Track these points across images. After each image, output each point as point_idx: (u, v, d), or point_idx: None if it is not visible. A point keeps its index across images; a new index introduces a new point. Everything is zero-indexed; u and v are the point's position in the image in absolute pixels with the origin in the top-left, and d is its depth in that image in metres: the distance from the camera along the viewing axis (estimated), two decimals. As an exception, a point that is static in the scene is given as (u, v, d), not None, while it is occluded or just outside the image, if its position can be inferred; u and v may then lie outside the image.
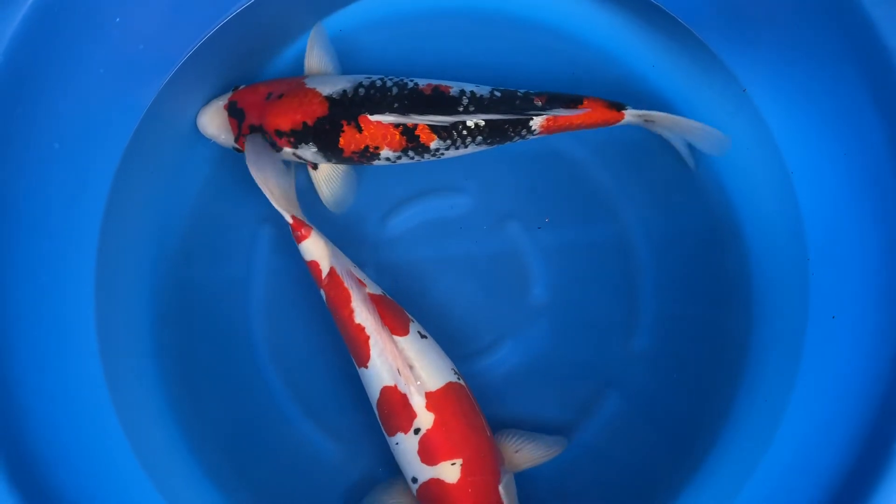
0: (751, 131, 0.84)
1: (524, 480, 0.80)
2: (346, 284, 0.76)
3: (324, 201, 0.84)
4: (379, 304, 0.76)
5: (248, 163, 0.77)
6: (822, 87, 0.77)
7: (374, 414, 0.77)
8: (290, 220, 0.77)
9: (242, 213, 0.87)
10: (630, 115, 0.79)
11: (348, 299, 0.76)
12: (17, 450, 0.67)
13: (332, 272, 0.77)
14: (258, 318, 0.86)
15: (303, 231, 0.77)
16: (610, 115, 0.78)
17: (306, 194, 0.84)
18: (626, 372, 0.86)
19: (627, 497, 0.80)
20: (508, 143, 0.80)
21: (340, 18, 0.88)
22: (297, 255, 0.79)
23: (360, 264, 0.86)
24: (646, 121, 0.80)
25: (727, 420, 0.83)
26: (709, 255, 0.87)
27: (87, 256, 0.79)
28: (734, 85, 0.85)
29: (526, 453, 0.79)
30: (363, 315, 0.75)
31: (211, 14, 0.83)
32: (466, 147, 0.79)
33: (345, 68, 0.86)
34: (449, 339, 0.84)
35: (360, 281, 0.77)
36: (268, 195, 0.76)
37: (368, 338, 0.74)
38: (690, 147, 0.84)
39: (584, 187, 0.89)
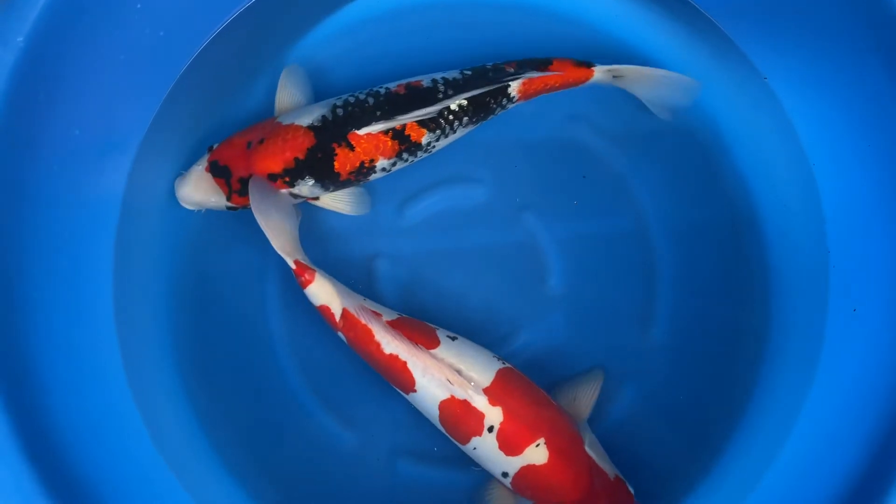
0: (771, 122, 0.84)
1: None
2: (363, 321, 0.74)
3: (348, 213, 0.83)
4: (401, 328, 0.75)
5: (253, 208, 0.74)
6: (845, 76, 0.76)
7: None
8: (294, 266, 0.75)
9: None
10: (599, 71, 0.80)
11: (370, 335, 0.74)
12: (39, 438, 0.68)
13: (345, 313, 0.75)
14: (275, 306, 0.87)
15: (306, 276, 0.75)
16: (580, 72, 0.80)
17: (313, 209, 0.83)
18: (643, 365, 0.85)
19: (642, 491, 0.79)
20: (492, 116, 0.81)
21: (341, 18, 0.88)
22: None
23: (376, 254, 0.86)
24: (615, 76, 0.81)
25: (744, 414, 0.82)
26: (727, 248, 0.86)
27: (105, 243, 0.79)
28: (754, 74, 0.84)
29: (582, 398, 0.80)
30: (392, 344, 0.74)
31: (230, 0, 0.83)
32: (455, 132, 0.80)
33: (334, 76, 0.85)
34: (464, 329, 0.84)
35: (374, 313, 0.76)
36: (271, 240, 0.74)
37: (405, 363, 0.73)
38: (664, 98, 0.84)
39: (601, 178, 0.88)
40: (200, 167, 0.80)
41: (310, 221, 0.86)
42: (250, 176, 0.77)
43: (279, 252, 0.75)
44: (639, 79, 0.82)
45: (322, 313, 0.76)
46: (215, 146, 0.80)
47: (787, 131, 0.83)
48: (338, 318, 0.75)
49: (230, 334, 0.86)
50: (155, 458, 0.78)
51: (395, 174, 0.87)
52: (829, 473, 0.72)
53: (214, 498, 0.81)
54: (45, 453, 0.67)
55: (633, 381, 0.85)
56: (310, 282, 0.75)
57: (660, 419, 0.85)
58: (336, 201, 0.82)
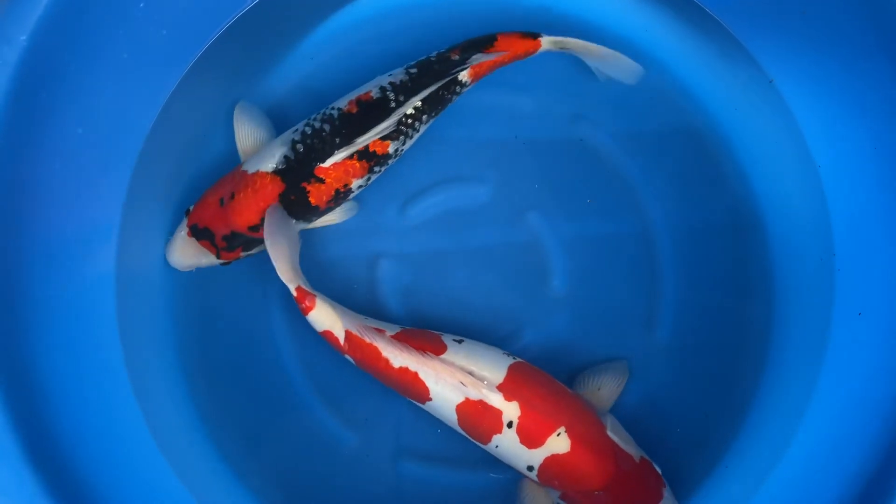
0: (777, 123, 0.83)
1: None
2: (367, 340, 0.74)
3: (336, 222, 0.83)
4: (406, 340, 0.75)
5: (266, 237, 0.74)
6: (852, 79, 0.76)
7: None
8: (295, 293, 0.74)
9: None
10: (546, 41, 0.79)
11: (377, 352, 0.74)
12: (41, 439, 0.68)
13: (348, 336, 0.75)
14: (278, 306, 0.86)
15: (307, 303, 0.74)
16: (527, 44, 0.78)
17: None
18: (646, 366, 0.85)
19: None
20: (450, 104, 0.79)
21: (343, 17, 0.88)
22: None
23: (379, 254, 0.86)
24: (561, 48, 0.80)
25: (747, 417, 0.82)
26: (732, 250, 0.86)
27: (108, 242, 0.79)
28: (760, 75, 0.84)
29: (606, 388, 0.80)
30: (400, 357, 0.73)
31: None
32: (418, 131, 0.79)
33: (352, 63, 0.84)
34: (468, 330, 0.84)
35: (377, 329, 0.75)
36: (277, 268, 0.74)
37: (416, 373, 0.73)
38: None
39: (605, 178, 0.88)
40: (183, 232, 0.80)
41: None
42: (232, 233, 0.77)
43: (282, 278, 0.74)
44: (584, 53, 0.81)
45: (326, 338, 0.76)
46: (191, 208, 0.80)
47: (793, 134, 0.83)
48: (342, 341, 0.75)
49: (233, 334, 0.86)
50: (158, 459, 0.78)
51: (399, 174, 0.87)
52: (833, 477, 0.72)
53: (217, 498, 0.81)
54: (47, 455, 0.67)
55: (637, 383, 0.85)
56: (311, 308, 0.74)
57: (663, 420, 0.85)
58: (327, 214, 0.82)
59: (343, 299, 0.81)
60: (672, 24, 0.87)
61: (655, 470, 0.77)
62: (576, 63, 0.88)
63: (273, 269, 0.74)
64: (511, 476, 0.83)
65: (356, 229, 0.86)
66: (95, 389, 0.76)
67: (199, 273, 0.84)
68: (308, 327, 0.85)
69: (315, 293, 0.75)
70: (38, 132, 0.71)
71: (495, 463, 0.83)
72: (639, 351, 0.85)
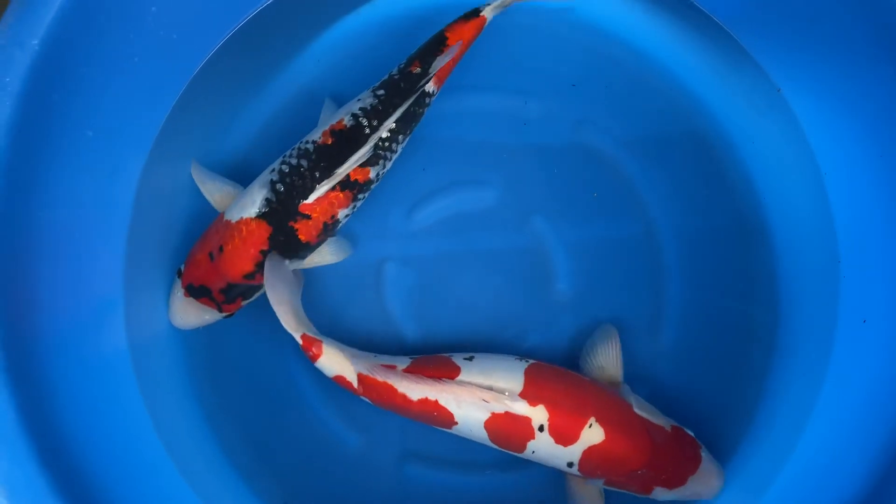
0: (783, 130, 0.84)
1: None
2: (381, 379, 0.74)
3: (332, 263, 0.82)
4: (418, 370, 0.75)
5: (266, 286, 0.73)
6: (858, 87, 0.76)
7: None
8: (301, 341, 0.74)
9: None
10: (488, 11, 0.77)
11: (393, 390, 0.74)
12: (49, 439, 0.68)
13: (360, 378, 0.74)
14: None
15: (314, 350, 0.73)
16: (475, 25, 0.77)
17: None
18: (651, 370, 0.86)
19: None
20: (423, 117, 0.78)
21: (352, 21, 0.88)
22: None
23: (385, 258, 0.86)
24: (503, 8, 0.78)
25: (752, 421, 0.82)
26: (737, 255, 0.86)
27: (116, 245, 0.79)
28: (767, 83, 0.84)
29: (608, 362, 0.80)
30: (417, 389, 0.73)
31: (244, 3, 0.83)
32: (396, 151, 0.77)
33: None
34: (472, 333, 0.85)
35: (388, 366, 0.75)
36: (280, 317, 0.73)
37: (436, 401, 0.73)
38: None
39: (610, 182, 0.88)
40: (179, 293, 0.79)
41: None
42: (228, 284, 0.77)
43: (285, 326, 0.73)
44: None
45: (339, 383, 0.75)
46: (182, 268, 0.79)
47: (798, 141, 0.83)
48: (355, 384, 0.74)
49: (239, 335, 0.86)
50: (164, 461, 0.78)
51: (405, 178, 0.87)
52: (837, 483, 0.72)
53: (222, 499, 0.81)
54: (56, 456, 0.68)
55: (642, 386, 0.85)
56: (318, 355, 0.74)
57: (667, 424, 0.85)
58: (318, 257, 0.81)
59: (349, 304, 0.82)
60: (680, 32, 0.87)
61: (689, 434, 0.78)
62: (582, 68, 0.88)
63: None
64: (510, 476, 0.83)
65: (363, 233, 0.87)
66: (103, 391, 0.76)
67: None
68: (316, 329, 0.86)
69: (321, 338, 0.74)
70: (49, 135, 0.71)
71: (502, 465, 0.84)
72: (643, 355, 0.86)
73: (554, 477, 0.82)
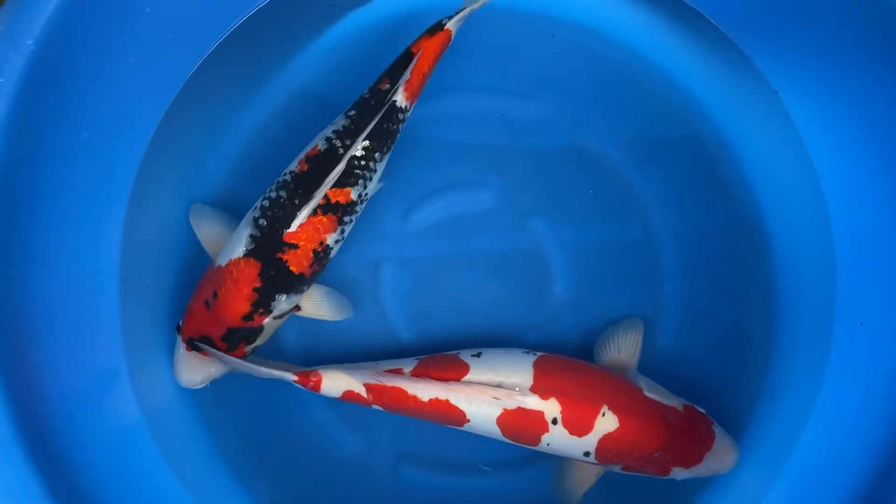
0: (781, 133, 0.84)
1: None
2: (389, 385, 0.74)
3: (331, 320, 0.82)
4: (426, 371, 0.75)
5: (229, 365, 0.75)
6: (856, 89, 0.76)
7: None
8: (295, 380, 0.73)
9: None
10: (452, 24, 0.76)
11: (403, 394, 0.74)
12: (43, 441, 0.68)
13: (368, 388, 0.74)
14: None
15: (312, 381, 0.73)
16: (440, 39, 0.75)
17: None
18: (648, 371, 0.85)
19: (649, 497, 0.79)
20: (399, 134, 0.77)
21: (353, 21, 0.88)
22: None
23: (382, 259, 0.86)
24: (464, 17, 0.76)
25: (749, 423, 0.82)
26: (734, 258, 0.86)
27: (111, 245, 0.79)
28: (765, 86, 0.84)
29: (625, 347, 0.80)
30: (426, 390, 0.73)
31: (239, 4, 0.82)
32: (376, 171, 0.76)
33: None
34: (470, 335, 0.84)
35: (394, 371, 0.75)
36: (259, 374, 0.74)
37: (447, 400, 0.73)
38: None
39: (608, 184, 0.88)
40: (182, 350, 0.78)
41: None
42: (228, 330, 0.76)
43: (275, 377, 0.73)
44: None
45: (349, 399, 0.75)
46: (181, 323, 0.79)
47: (796, 144, 0.83)
48: (365, 394, 0.74)
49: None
50: (160, 463, 0.78)
51: (401, 180, 0.87)
52: (834, 486, 0.72)
53: (217, 501, 0.81)
54: (50, 459, 0.67)
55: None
56: (319, 384, 0.74)
57: (664, 427, 0.85)
58: (319, 310, 0.81)
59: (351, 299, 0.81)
60: (678, 35, 0.87)
61: (700, 412, 0.78)
62: (580, 70, 0.88)
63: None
64: (506, 478, 0.83)
65: (359, 235, 0.86)
66: (97, 393, 0.76)
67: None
68: (311, 331, 0.86)
69: (313, 369, 0.74)
70: (43, 136, 0.71)
71: (497, 467, 0.84)
72: (641, 357, 0.85)
73: (550, 479, 0.81)
